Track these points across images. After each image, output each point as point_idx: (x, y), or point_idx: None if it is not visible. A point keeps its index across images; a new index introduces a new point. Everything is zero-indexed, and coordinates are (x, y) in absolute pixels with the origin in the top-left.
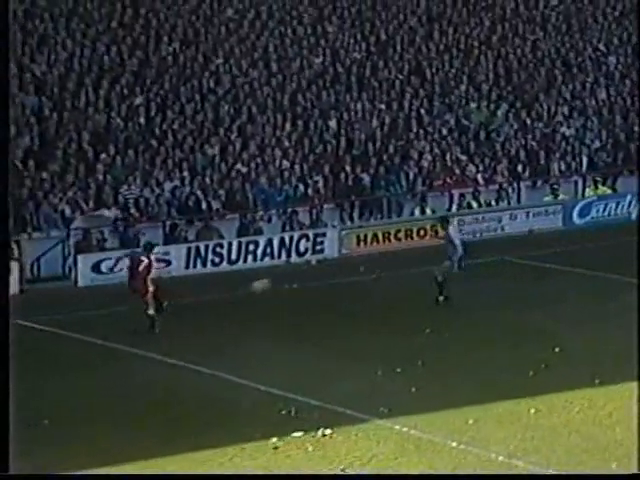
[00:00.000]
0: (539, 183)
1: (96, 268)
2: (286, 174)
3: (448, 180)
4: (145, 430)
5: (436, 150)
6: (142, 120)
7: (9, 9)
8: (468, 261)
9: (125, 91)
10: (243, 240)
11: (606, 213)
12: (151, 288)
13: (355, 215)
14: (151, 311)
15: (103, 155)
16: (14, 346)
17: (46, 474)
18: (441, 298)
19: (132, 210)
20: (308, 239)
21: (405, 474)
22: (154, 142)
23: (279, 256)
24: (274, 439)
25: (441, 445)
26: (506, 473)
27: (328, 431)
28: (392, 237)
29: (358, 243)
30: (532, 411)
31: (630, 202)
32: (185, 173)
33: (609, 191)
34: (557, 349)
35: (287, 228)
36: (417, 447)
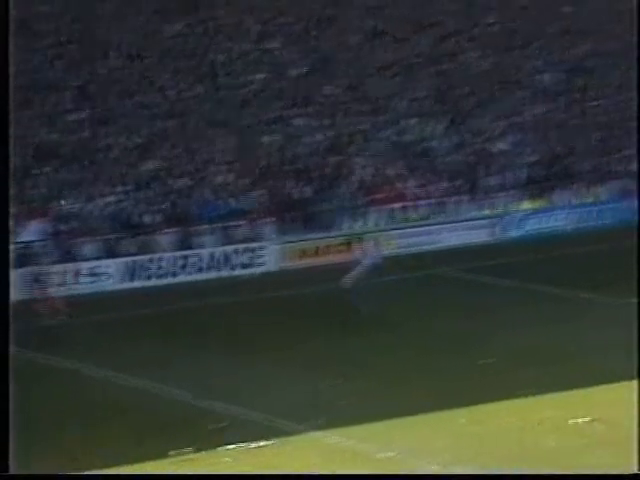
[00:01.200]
0: (476, 197)
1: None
2: (227, 188)
3: (387, 194)
4: (64, 444)
5: (375, 165)
6: (85, 134)
7: (9, 9)
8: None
9: (69, 106)
10: (183, 254)
11: (541, 226)
12: (54, 301)
13: (296, 229)
14: (54, 321)
15: (45, 168)
16: None
17: (46, 474)
18: (356, 311)
19: (71, 224)
20: (248, 253)
21: (405, 474)
22: (96, 156)
23: (219, 269)
24: (207, 451)
25: (376, 455)
26: (506, 473)
27: (262, 443)
28: (332, 251)
29: (298, 257)
30: (464, 420)
31: (565, 215)
32: (126, 187)
33: (544, 204)
34: (490, 359)
35: (227, 242)
36: (351, 458)
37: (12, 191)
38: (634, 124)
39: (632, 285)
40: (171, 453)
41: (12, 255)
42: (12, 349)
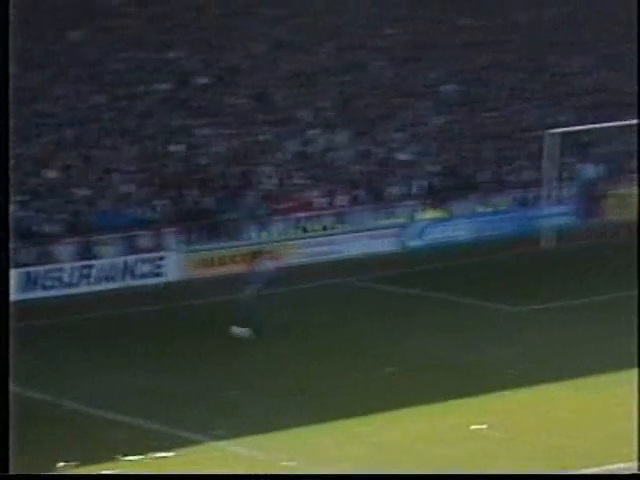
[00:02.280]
0: (379, 206)
1: None
2: (129, 197)
3: (292, 204)
4: None
5: (280, 174)
6: None
7: (9, 9)
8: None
9: None
10: (83, 264)
11: (441, 235)
12: None
13: (198, 239)
14: None
15: None
16: None
17: (46, 474)
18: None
19: None
20: (150, 263)
21: (405, 474)
22: None
23: (121, 280)
24: (112, 462)
25: (279, 465)
26: (506, 473)
27: (165, 454)
28: (235, 260)
29: (201, 266)
30: (368, 428)
31: (465, 224)
32: (25, 196)
33: (446, 214)
34: (393, 367)
35: (129, 252)
36: (253, 467)
37: None
38: (531, 134)
39: (530, 292)
40: (59, 465)
41: None
42: None
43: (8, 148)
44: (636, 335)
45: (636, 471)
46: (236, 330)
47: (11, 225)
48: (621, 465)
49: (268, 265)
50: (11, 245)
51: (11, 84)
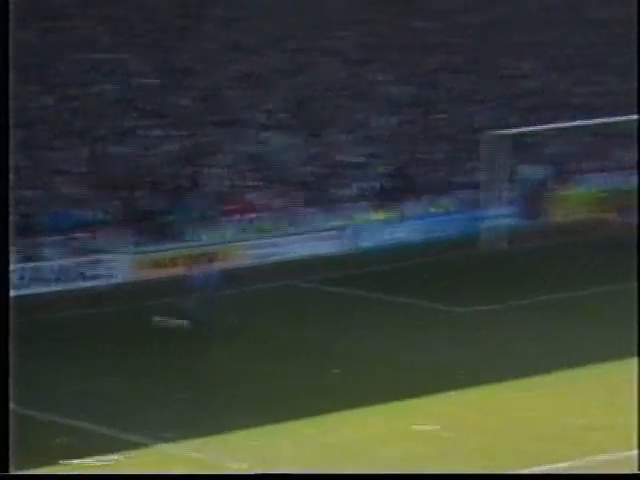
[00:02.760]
0: (328, 208)
1: None
2: (78, 199)
3: (240, 205)
4: None
5: (229, 176)
6: None
7: (9, 9)
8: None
9: None
10: (30, 266)
11: (391, 237)
12: None
13: (148, 240)
14: None
15: None
16: None
17: (46, 474)
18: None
19: None
20: (99, 264)
21: (404, 474)
22: None
23: (70, 281)
24: (60, 466)
25: (228, 467)
26: (506, 473)
27: (114, 457)
28: (185, 262)
29: (150, 268)
30: (313, 430)
31: (413, 226)
32: None
33: (394, 215)
34: (336, 370)
35: (78, 253)
36: (203, 469)
37: None
38: (480, 136)
39: (476, 293)
40: None
41: None
42: None
43: (8, 148)
44: (581, 334)
45: (637, 471)
46: (170, 322)
47: None
48: (571, 463)
49: (211, 268)
50: None
51: None
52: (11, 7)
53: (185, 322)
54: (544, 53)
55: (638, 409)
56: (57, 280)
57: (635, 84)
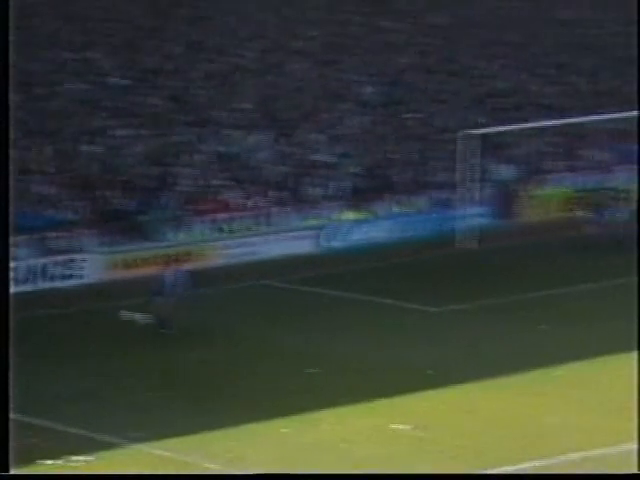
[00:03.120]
0: (300, 208)
1: None
2: (47, 199)
3: (211, 205)
4: None
5: (200, 176)
6: None
7: (9, 9)
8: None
9: None
10: None
11: (363, 237)
12: None
13: (118, 240)
14: None
15: None
16: None
17: (46, 474)
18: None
19: None
20: (69, 264)
21: (403, 474)
22: None
23: (39, 281)
24: (24, 467)
25: (200, 467)
26: (506, 473)
27: (84, 457)
28: (156, 262)
29: (121, 268)
30: (288, 430)
31: (387, 225)
32: None
33: (368, 215)
34: (312, 369)
35: (48, 253)
36: (177, 469)
37: None
38: (451, 136)
39: (450, 293)
40: None
41: None
42: None
43: (8, 147)
44: (555, 333)
45: (636, 471)
46: (137, 316)
47: None
48: (544, 462)
49: (179, 268)
50: None
51: None
52: None
53: (150, 317)
54: (514, 53)
55: (638, 408)
56: (26, 280)
57: (601, 85)
